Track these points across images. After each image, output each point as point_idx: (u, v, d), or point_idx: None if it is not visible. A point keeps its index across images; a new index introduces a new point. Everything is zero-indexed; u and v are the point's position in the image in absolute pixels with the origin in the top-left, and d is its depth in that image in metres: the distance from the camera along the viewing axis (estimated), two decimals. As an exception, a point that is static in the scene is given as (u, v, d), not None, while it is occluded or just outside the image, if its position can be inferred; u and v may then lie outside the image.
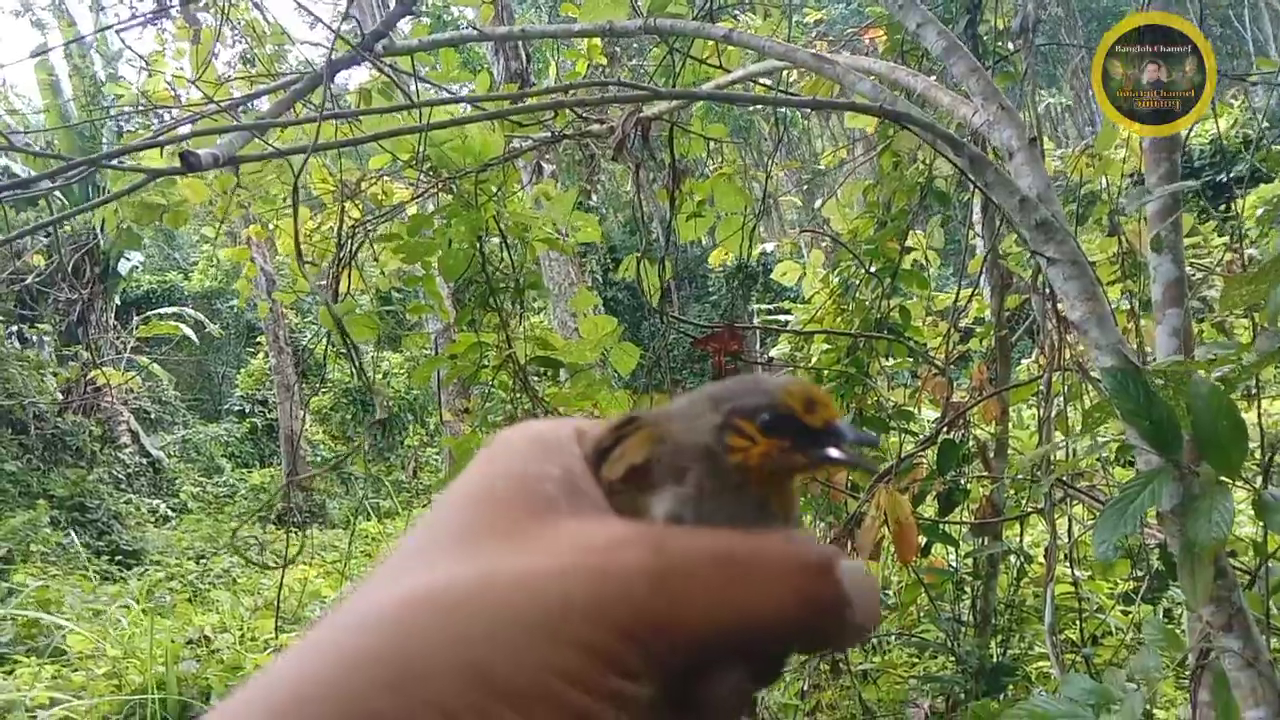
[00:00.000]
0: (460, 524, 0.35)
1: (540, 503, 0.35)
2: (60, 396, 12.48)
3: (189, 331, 14.46)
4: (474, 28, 3.18)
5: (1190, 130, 2.41)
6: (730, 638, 0.32)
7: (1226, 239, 5.19)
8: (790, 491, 0.38)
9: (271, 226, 4.26)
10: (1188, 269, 2.31)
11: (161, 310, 15.59)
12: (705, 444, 0.36)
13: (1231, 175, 6.04)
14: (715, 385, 0.38)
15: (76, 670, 5.56)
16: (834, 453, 0.36)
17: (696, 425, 0.37)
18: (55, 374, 12.57)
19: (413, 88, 3.16)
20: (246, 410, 17.82)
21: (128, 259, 14.12)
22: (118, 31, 3.52)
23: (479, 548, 0.34)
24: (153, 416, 15.74)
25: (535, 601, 0.31)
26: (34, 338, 12.91)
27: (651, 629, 0.31)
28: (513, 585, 0.31)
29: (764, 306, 6.54)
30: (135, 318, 15.34)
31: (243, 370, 19.16)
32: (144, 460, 13.53)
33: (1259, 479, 1.79)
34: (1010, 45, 3.59)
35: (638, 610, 0.31)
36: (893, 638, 4.28)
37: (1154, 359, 2.00)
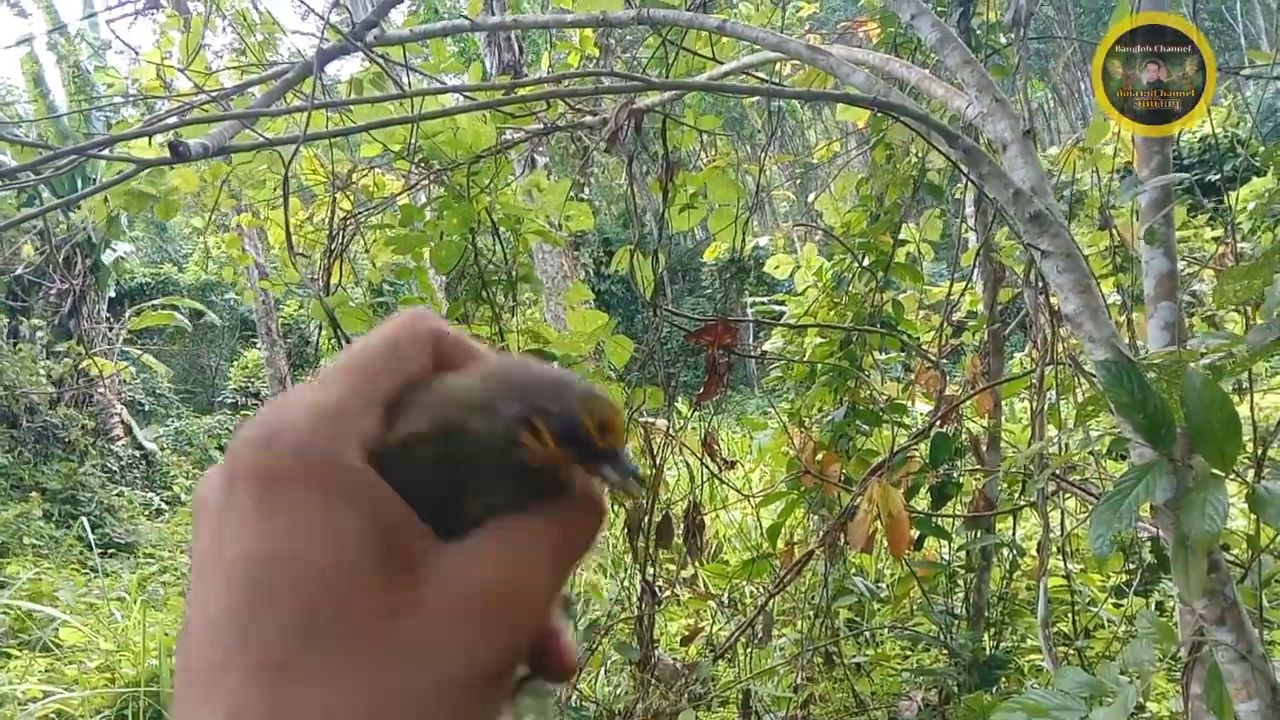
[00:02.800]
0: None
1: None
2: (52, 389, 12.40)
3: (183, 319, 14.35)
4: (465, 18, 3.16)
5: (1184, 123, 2.41)
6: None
7: (1218, 233, 5.19)
8: (566, 478, 0.39)
9: (263, 217, 4.23)
10: (1179, 263, 2.31)
11: (155, 302, 15.48)
12: (496, 433, 0.37)
13: (1223, 173, 6.03)
14: (526, 367, 0.39)
15: (69, 663, 5.54)
16: (610, 475, 0.38)
17: (489, 408, 0.37)
18: (48, 373, 12.50)
19: (405, 78, 3.14)
20: (239, 403, 17.78)
21: (113, 250, 13.98)
22: (107, 22, 3.49)
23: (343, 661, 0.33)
24: (146, 409, 15.68)
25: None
26: (26, 331, 12.82)
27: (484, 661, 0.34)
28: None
29: (760, 300, 6.52)
30: (128, 310, 15.25)
31: (236, 363, 19.10)
32: (136, 453, 13.45)
33: (1251, 472, 1.79)
34: (1003, 39, 3.59)
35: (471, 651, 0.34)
36: (886, 630, 4.29)
37: (1146, 353, 2.00)
